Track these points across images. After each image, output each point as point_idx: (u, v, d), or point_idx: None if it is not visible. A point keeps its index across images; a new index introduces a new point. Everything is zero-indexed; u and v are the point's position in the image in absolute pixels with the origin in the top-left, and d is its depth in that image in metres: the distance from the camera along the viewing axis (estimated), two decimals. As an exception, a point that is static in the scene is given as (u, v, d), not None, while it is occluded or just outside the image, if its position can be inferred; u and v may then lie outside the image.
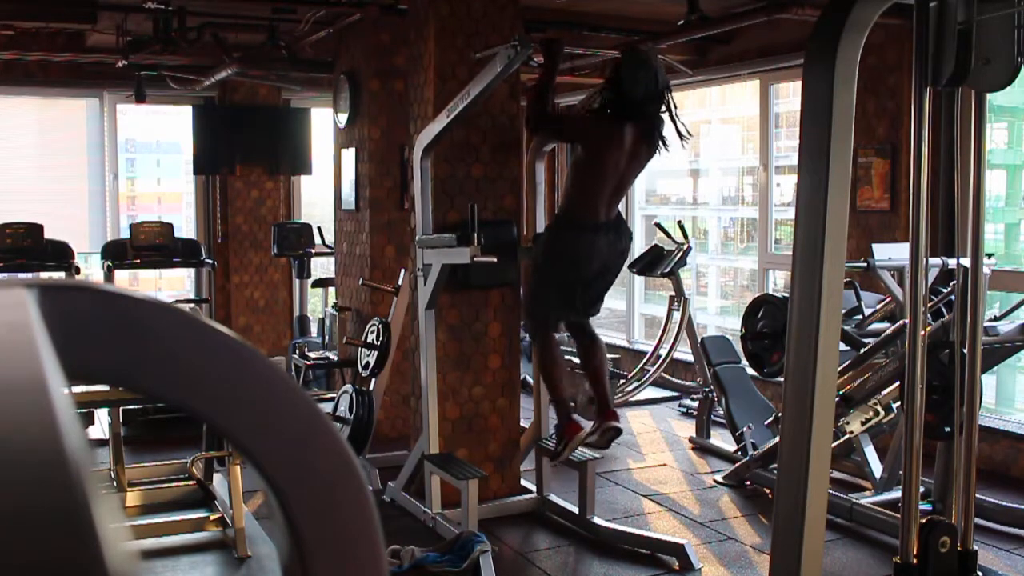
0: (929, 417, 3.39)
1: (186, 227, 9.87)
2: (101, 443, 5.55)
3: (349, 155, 6.54)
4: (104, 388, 3.35)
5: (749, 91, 7.92)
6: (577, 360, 5.21)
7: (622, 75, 4.32)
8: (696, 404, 6.59)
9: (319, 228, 8.05)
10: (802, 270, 2.78)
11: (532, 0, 5.79)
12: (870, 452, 4.92)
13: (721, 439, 6.18)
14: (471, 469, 4.54)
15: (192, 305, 6.33)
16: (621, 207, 4.67)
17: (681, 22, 5.76)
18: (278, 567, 0.60)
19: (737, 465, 5.51)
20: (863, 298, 5.02)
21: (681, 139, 4.46)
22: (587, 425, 4.70)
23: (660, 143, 4.42)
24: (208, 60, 7.16)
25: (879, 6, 2.71)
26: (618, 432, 4.59)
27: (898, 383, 4.26)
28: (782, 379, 2.97)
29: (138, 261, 6.50)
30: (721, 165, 10.22)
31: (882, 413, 4.52)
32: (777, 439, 4.27)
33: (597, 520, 4.65)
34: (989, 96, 2.98)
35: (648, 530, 4.69)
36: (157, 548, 4.34)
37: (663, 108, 4.37)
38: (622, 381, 6.81)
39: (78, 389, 3.30)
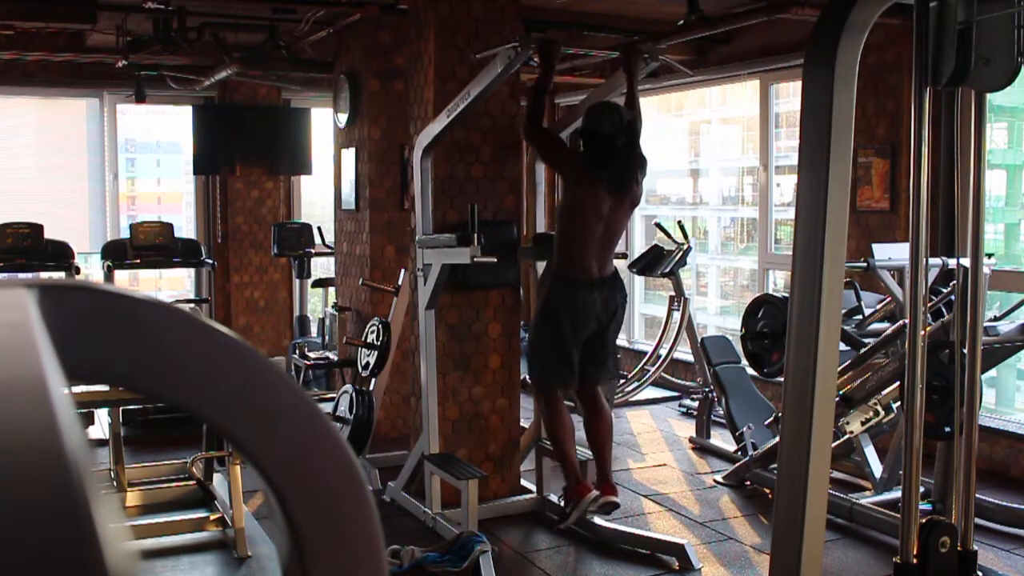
0: (929, 417, 3.39)
1: (186, 227, 9.87)
2: (101, 443, 5.55)
3: (349, 155, 6.54)
4: (104, 388, 3.35)
5: (749, 91, 7.92)
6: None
7: (589, 118, 4.48)
8: (696, 404, 6.59)
9: (319, 228, 8.05)
10: (802, 270, 2.78)
11: (532, 0, 5.79)
12: (870, 452, 4.92)
13: (721, 439, 6.18)
14: (471, 469, 4.54)
15: (192, 305, 6.33)
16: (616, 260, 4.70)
17: (681, 22, 5.76)
18: (278, 567, 0.60)
19: (737, 465, 5.51)
20: (863, 298, 5.02)
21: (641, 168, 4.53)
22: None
23: (638, 184, 4.52)
24: (208, 60, 7.16)
25: (879, 6, 2.71)
26: (615, 506, 4.54)
27: (898, 383, 4.26)
28: (782, 379, 2.97)
29: (138, 261, 6.50)
30: (721, 165, 10.22)
31: (882, 413, 4.52)
32: (777, 439, 4.27)
33: (597, 520, 4.65)
34: (989, 96, 2.98)
35: (648, 530, 4.69)
36: (157, 548, 4.34)
37: (635, 145, 4.49)
38: (622, 381, 6.81)
39: (78, 389, 3.30)
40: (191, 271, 8.90)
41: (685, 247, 6.51)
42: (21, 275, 6.32)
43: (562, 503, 4.65)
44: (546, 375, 4.61)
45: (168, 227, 6.65)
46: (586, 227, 4.42)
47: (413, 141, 5.00)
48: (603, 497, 4.50)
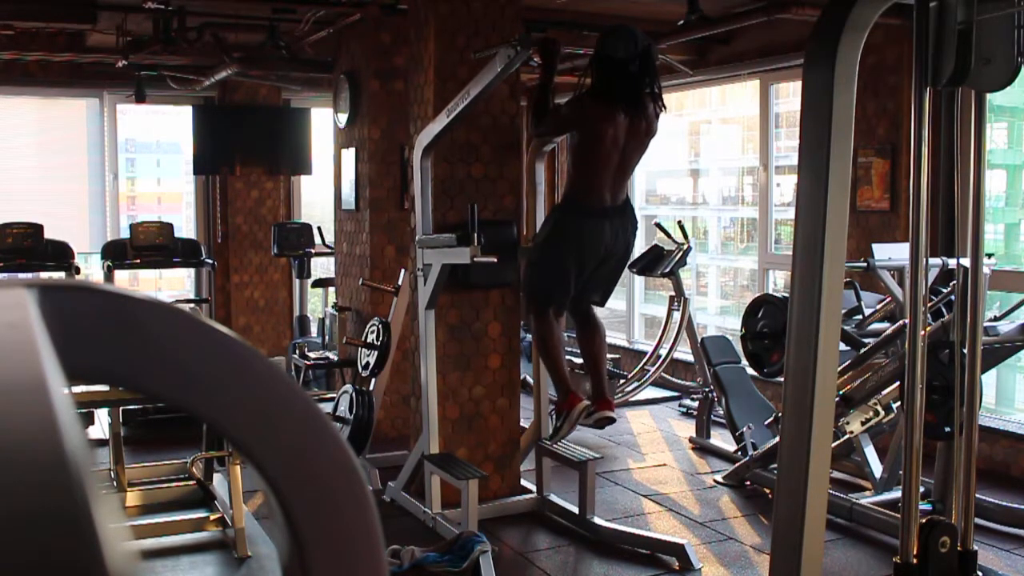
0: (929, 417, 3.39)
1: (186, 227, 9.87)
2: (101, 443, 5.55)
3: (349, 155, 6.54)
4: (104, 388, 3.35)
5: (749, 91, 7.92)
6: (578, 361, 5.19)
7: (603, 41, 4.32)
8: (696, 404, 6.59)
9: (319, 228, 8.05)
10: (802, 270, 2.78)
11: (532, 0, 5.79)
12: (870, 452, 4.92)
13: (721, 439, 6.18)
14: (471, 469, 4.54)
15: (192, 305, 6.33)
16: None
17: (681, 22, 5.75)
18: (278, 567, 0.60)
19: (737, 465, 5.51)
20: (863, 298, 5.02)
21: (658, 103, 4.37)
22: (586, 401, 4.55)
23: (657, 110, 4.34)
24: (208, 60, 7.16)
25: (879, 6, 2.71)
26: (611, 421, 4.48)
27: (898, 383, 4.26)
28: (782, 379, 2.97)
29: (138, 261, 6.51)
30: (721, 165, 10.22)
31: (882, 413, 4.52)
32: (777, 439, 4.27)
33: (597, 520, 4.65)
34: (989, 96, 2.98)
35: (648, 530, 4.69)
36: (157, 548, 4.34)
37: (651, 71, 4.30)
38: (622, 381, 6.81)
39: (78, 389, 3.30)
40: (191, 271, 8.90)
41: (685, 247, 6.51)
42: (21, 275, 6.32)
43: (553, 416, 4.54)
44: (540, 295, 4.51)
45: (168, 227, 6.66)
46: (602, 157, 4.28)
47: (413, 141, 5.00)
48: (598, 411, 4.42)
